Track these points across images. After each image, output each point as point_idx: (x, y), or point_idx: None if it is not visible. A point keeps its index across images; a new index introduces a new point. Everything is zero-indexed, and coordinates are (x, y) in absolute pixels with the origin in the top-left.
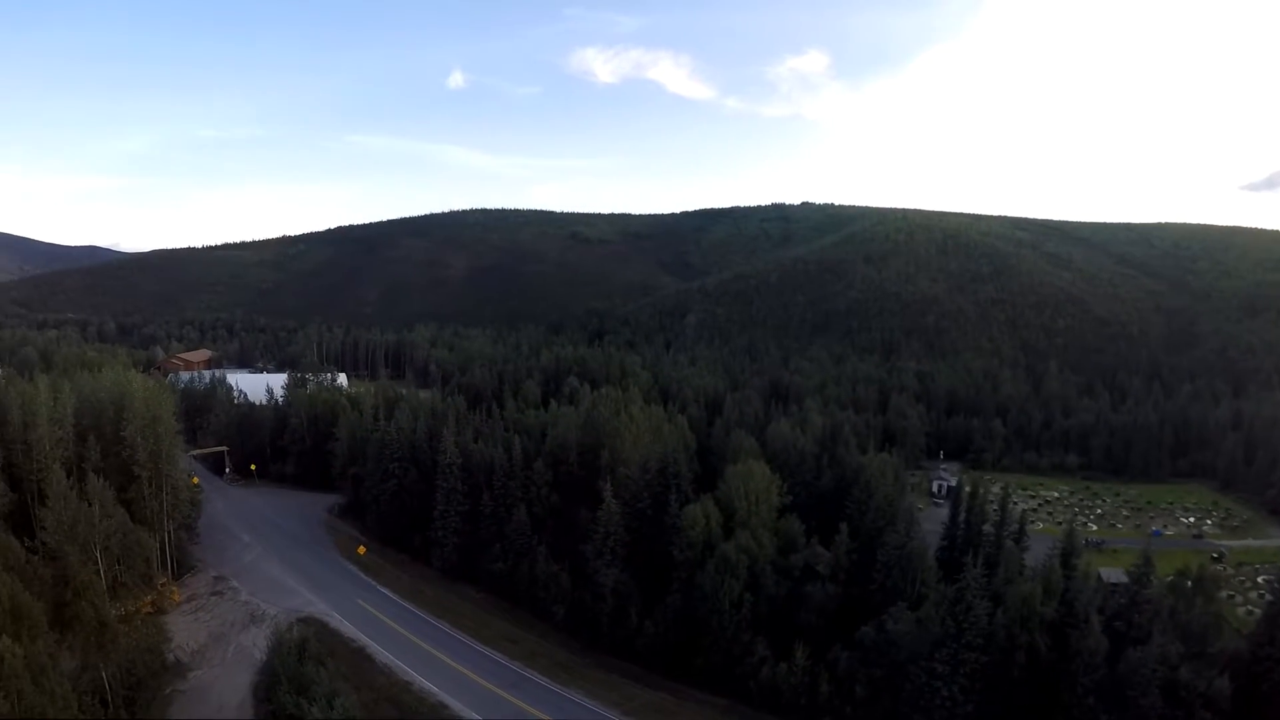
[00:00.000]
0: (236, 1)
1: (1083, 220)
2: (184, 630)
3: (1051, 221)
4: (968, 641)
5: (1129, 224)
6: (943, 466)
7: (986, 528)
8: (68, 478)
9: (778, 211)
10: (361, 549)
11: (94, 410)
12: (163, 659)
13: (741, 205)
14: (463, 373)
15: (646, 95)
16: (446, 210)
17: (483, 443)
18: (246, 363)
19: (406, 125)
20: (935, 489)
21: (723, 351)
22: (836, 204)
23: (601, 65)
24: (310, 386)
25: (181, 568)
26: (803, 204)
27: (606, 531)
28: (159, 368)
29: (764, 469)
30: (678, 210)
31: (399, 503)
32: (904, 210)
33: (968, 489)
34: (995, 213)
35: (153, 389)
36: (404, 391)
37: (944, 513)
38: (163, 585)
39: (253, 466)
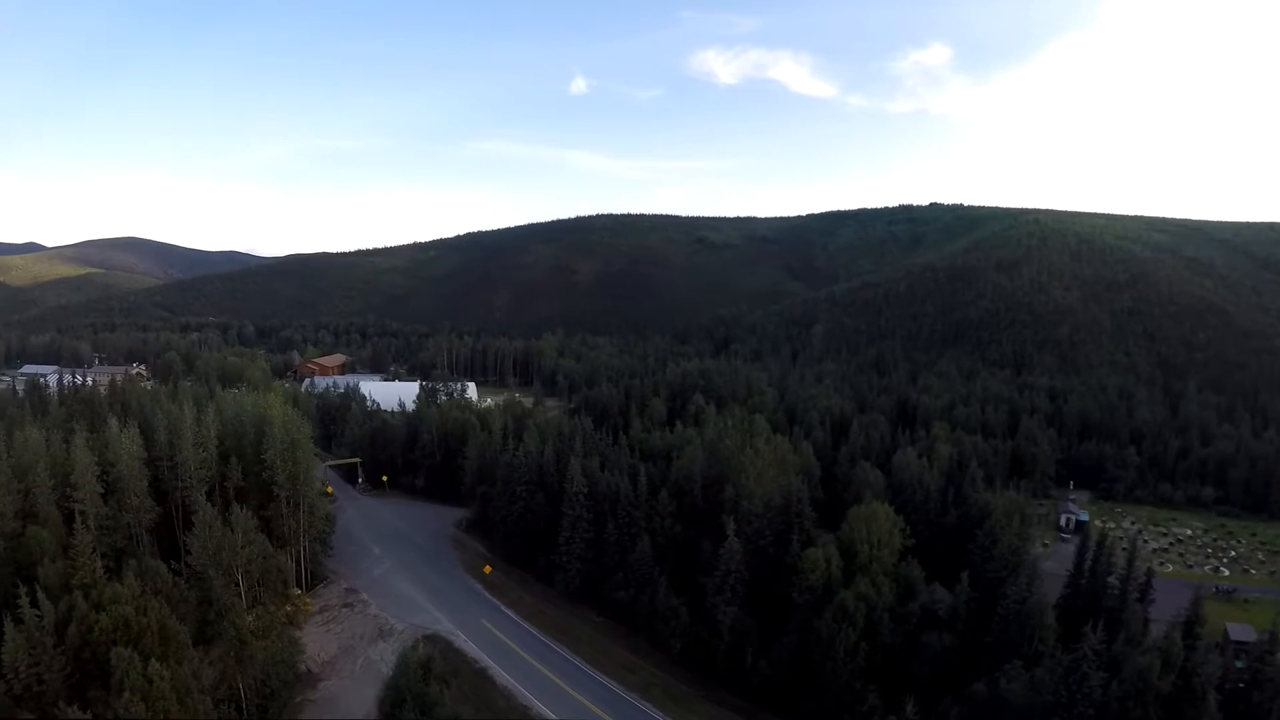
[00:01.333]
0: (362, 18)
1: (1224, 220)
2: (315, 641)
3: (1190, 221)
4: (1079, 712)
5: (1273, 223)
6: (1071, 497)
7: (1112, 580)
8: (209, 495)
9: (905, 213)
10: (487, 568)
11: (236, 433)
12: (295, 670)
13: (868, 207)
14: (589, 385)
15: (768, 95)
16: (574, 216)
17: (609, 471)
18: (379, 368)
19: (532, 131)
20: (1063, 522)
21: (849, 366)
22: (965, 204)
23: (722, 66)
24: (441, 398)
25: (315, 579)
26: (931, 205)
27: (727, 569)
28: (295, 371)
29: (888, 512)
30: (803, 213)
31: (525, 524)
32: (1035, 211)
33: (1094, 537)
34: (1131, 212)
35: (292, 415)
36: (531, 405)
37: (1070, 549)
38: (297, 597)
39: (384, 478)
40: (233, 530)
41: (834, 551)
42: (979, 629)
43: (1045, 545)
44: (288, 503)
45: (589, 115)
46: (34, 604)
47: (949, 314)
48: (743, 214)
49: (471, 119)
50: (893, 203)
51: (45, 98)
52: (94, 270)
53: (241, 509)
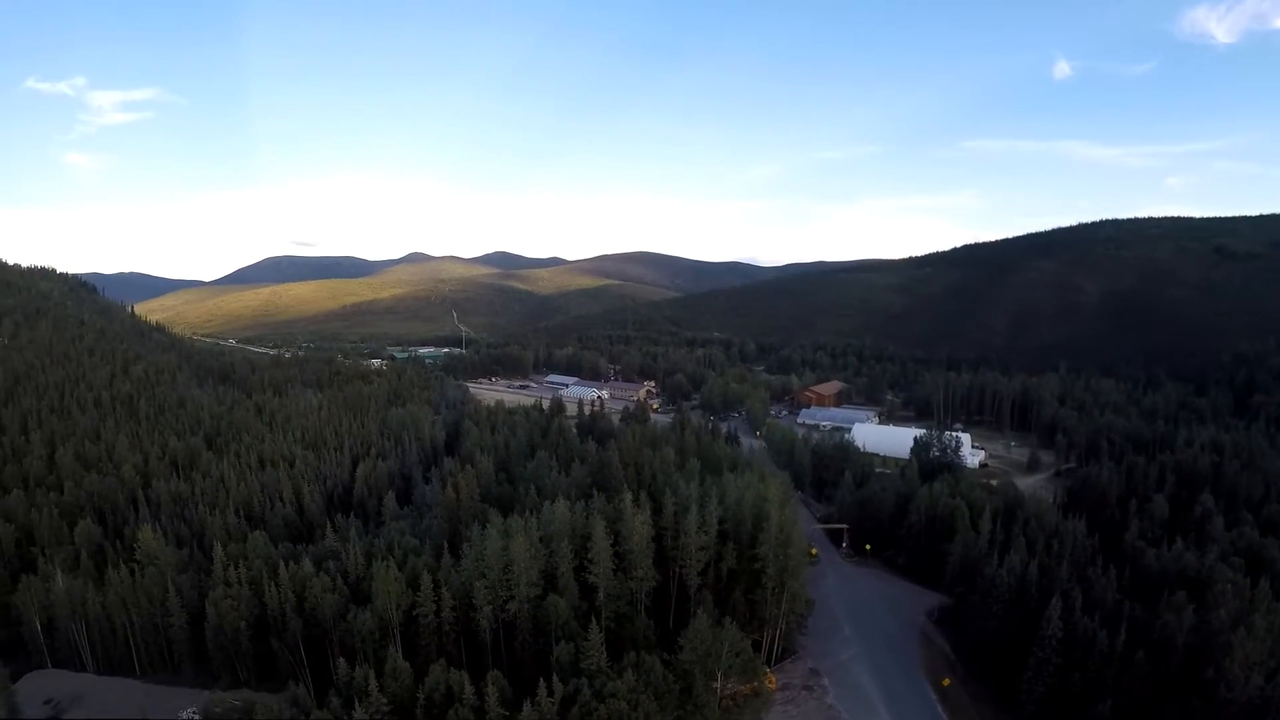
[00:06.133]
0: (831, 28)
1: None
2: None
3: None
4: None
5: None
6: None
7: None
8: (704, 572)
9: None
10: (946, 680)
11: (735, 517)
12: None
13: None
14: (1090, 453)
15: (1276, 48)
16: (1074, 224)
17: (1088, 615)
18: (874, 398)
19: (1018, 124)
20: None
21: None
22: None
23: (1215, 24)
24: (933, 452)
25: (784, 653)
26: None
27: None
28: (793, 398)
29: None
30: None
31: (996, 640)
32: None
33: None
34: None
35: (788, 514)
36: (1025, 461)
37: None
38: (764, 675)
39: (868, 546)
40: (721, 643)
41: None
42: None
43: None
44: (773, 591)
45: (1077, 100)
46: (549, 691)
47: None
48: (1267, 210)
49: (955, 118)
50: None
51: (560, 129)
52: (609, 281)
53: (731, 622)
